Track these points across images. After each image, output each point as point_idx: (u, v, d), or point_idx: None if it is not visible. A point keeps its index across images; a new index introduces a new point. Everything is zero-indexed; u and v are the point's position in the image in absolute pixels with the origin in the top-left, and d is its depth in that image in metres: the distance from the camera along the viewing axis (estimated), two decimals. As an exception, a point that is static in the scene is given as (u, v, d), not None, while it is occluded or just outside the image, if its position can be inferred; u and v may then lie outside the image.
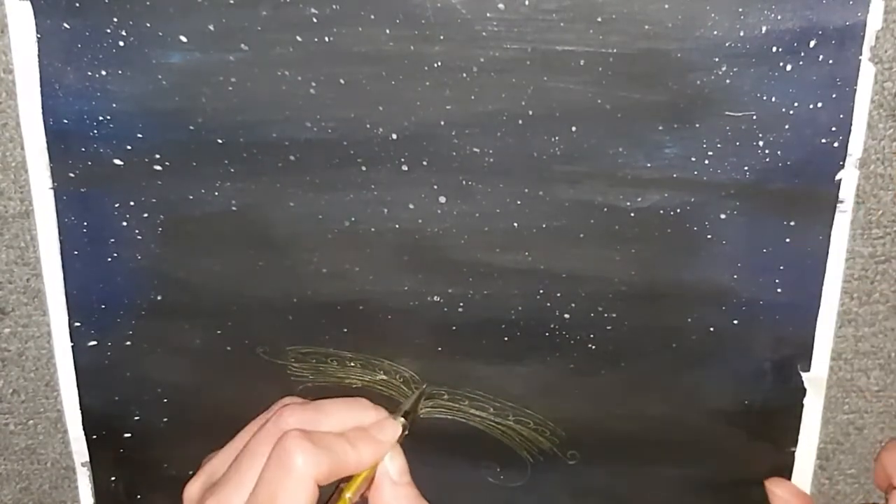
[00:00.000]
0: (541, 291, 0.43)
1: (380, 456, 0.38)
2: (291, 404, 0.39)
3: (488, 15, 0.37)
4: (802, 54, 0.38)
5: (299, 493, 0.35)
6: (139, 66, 0.39)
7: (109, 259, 0.43)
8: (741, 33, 0.37)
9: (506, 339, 0.44)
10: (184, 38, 0.38)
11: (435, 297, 0.43)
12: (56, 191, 0.42)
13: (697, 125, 0.39)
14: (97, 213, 0.42)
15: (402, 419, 0.40)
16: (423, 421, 0.46)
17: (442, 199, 0.41)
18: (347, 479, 0.38)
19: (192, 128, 0.40)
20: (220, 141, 0.40)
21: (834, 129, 0.39)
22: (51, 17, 0.38)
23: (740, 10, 0.37)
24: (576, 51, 0.38)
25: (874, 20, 0.37)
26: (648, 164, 0.40)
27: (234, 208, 0.42)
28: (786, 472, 0.46)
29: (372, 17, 0.38)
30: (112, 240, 0.43)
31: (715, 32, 0.37)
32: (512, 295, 0.43)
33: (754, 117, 0.39)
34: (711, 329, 0.43)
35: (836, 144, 0.39)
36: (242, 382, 0.46)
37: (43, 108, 0.40)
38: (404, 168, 0.41)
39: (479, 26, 0.38)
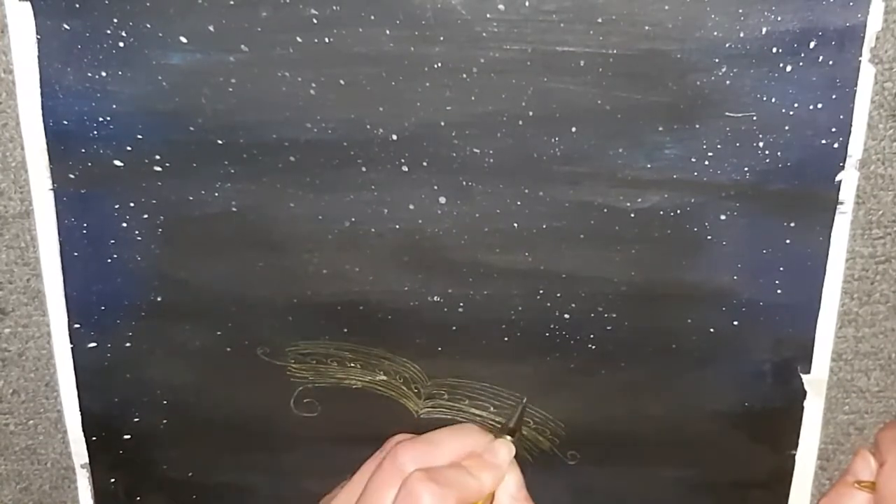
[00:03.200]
0: (541, 291, 0.43)
1: (500, 479, 0.39)
2: (404, 441, 0.39)
3: (488, 16, 0.37)
4: (802, 55, 0.38)
5: None
6: (139, 66, 0.39)
7: (109, 260, 0.43)
8: (741, 34, 0.37)
9: (506, 339, 0.44)
10: (184, 39, 0.38)
11: (435, 297, 0.43)
12: (56, 191, 0.42)
13: (697, 126, 0.39)
14: (97, 213, 0.42)
15: (509, 437, 0.40)
16: (423, 421, 0.46)
17: (442, 200, 0.41)
18: None
19: (192, 128, 0.40)
20: (220, 142, 0.40)
21: (834, 129, 0.39)
22: (51, 18, 0.38)
23: (740, 11, 0.37)
24: (576, 52, 0.38)
25: (874, 21, 0.37)
26: (648, 165, 0.40)
27: (234, 209, 0.42)
28: (787, 473, 0.46)
29: (372, 17, 0.38)
30: (112, 241, 0.43)
31: (715, 33, 0.37)
32: (512, 295, 0.43)
33: (754, 118, 0.39)
34: (711, 330, 0.43)
35: (836, 145, 0.39)
36: (242, 383, 0.46)
37: (43, 108, 0.40)
38: (404, 169, 0.41)
39: (479, 27, 0.38)
